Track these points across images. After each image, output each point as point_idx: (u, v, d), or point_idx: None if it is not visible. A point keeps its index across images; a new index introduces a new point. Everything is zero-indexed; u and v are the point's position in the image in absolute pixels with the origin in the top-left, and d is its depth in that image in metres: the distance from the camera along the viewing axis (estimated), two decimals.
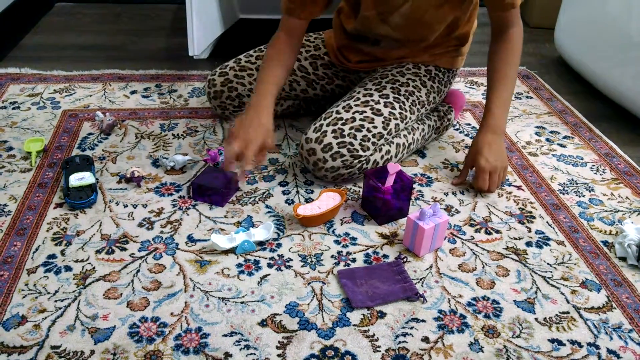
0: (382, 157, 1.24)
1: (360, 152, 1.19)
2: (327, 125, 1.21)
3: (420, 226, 1.04)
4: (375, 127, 1.21)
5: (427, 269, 1.06)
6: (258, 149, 1.13)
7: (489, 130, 1.26)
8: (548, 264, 1.09)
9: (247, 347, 0.88)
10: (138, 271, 1.01)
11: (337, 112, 1.23)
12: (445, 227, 1.08)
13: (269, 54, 1.26)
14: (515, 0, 1.21)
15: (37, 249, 1.04)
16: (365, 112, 1.23)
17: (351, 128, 1.20)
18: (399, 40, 1.31)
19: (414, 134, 1.32)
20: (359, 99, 1.26)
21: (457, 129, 1.52)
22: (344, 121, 1.21)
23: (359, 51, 1.38)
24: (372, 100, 1.25)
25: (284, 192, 1.24)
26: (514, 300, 1.00)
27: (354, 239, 1.12)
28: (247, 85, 1.39)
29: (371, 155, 1.22)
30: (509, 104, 1.30)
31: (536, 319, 0.96)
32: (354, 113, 1.22)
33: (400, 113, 1.26)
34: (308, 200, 1.21)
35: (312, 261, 1.06)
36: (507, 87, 1.28)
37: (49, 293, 0.96)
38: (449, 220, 1.16)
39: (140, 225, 1.12)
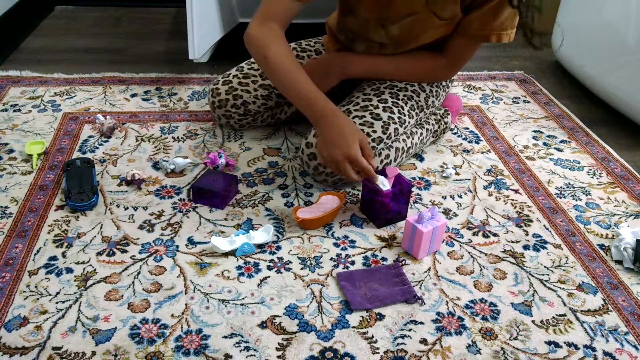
0: (381, 161, 1.25)
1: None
2: None
3: (419, 229, 1.05)
4: (374, 131, 1.22)
5: (426, 271, 1.07)
6: (357, 157, 1.08)
7: (340, 57, 1.33)
8: (545, 267, 1.10)
9: (247, 348, 0.89)
10: (139, 273, 1.02)
11: None
12: (443, 230, 1.09)
13: (283, 51, 1.13)
14: (491, 34, 1.21)
15: (38, 251, 1.05)
16: (364, 116, 1.24)
17: None
18: (385, 48, 1.32)
19: (412, 138, 1.33)
20: (358, 103, 1.27)
21: (455, 133, 1.54)
22: None
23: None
24: (371, 105, 1.26)
25: (283, 195, 1.25)
26: (512, 303, 1.01)
27: (353, 241, 1.13)
28: (252, 92, 1.39)
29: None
30: (376, 72, 1.33)
31: (533, 322, 0.97)
32: (353, 118, 1.23)
33: (399, 117, 1.27)
34: (307, 203, 1.22)
35: (311, 264, 1.06)
36: (394, 68, 1.32)
37: (50, 294, 0.96)
38: (447, 223, 1.17)
39: (140, 227, 1.13)
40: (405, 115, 1.29)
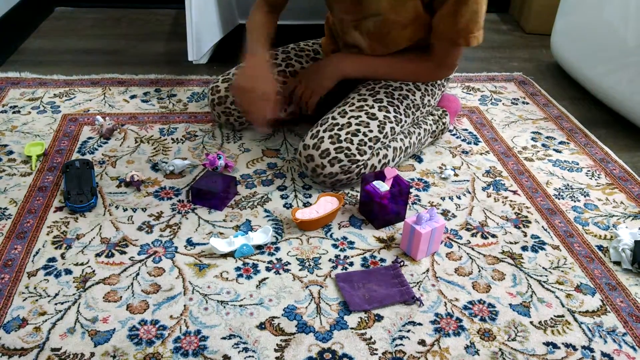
0: (379, 161, 1.25)
1: (358, 157, 1.21)
2: (324, 131, 1.22)
3: (417, 230, 1.05)
4: (371, 131, 1.23)
5: (424, 272, 1.07)
6: (270, 100, 1.19)
7: (336, 57, 1.35)
8: (543, 268, 1.10)
9: (246, 349, 0.89)
10: (137, 274, 1.02)
11: (333, 118, 1.24)
12: (441, 232, 1.09)
13: (257, 18, 1.32)
14: (457, 38, 1.23)
15: (37, 252, 1.05)
16: (360, 116, 1.24)
17: (347, 133, 1.21)
18: (364, 52, 1.35)
19: (410, 138, 1.34)
20: (353, 104, 1.28)
21: (453, 134, 1.54)
22: (340, 126, 1.22)
23: None
24: (367, 105, 1.27)
25: (282, 197, 1.25)
26: (510, 304, 1.01)
27: (351, 242, 1.13)
28: None
29: (368, 159, 1.23)
30: (370, 71, 1.35)
31: (531, 323, 0.97)
32: (349, 118, 1.24)
33: (395, 116, 1.28)
34: (306, 205, 1.22)
35: (310, 265, 1.07)
36: (387, 68, 1.34)
37: (49, 296, 0.96)
38: (445, 224, 1.17)
39: (139, 228, 1.13)
40: (401, 114, 1.29)
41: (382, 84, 1.34)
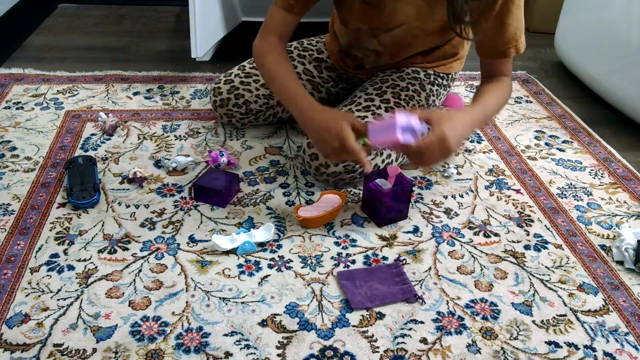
0: (383, 160, 1.25)
1: None
2: None
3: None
4: None
5: (426, 271, 1.07)
6: (350, 143, 1.03)
7: (449, 128, 1.05)
8: (546, 267, 1.10)
9: (248, 346, 0.89)
10: (140, 271, 1.02)
11: None
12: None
13: (276, 59, 1.17)
14: (508, 49, 1.15)
15: (40, 248, 1.05)
16: (366, 117, 1.24)
17: None
18: (382, 56, 1.33)
19: None
20: (360, 103, 1.27)
21: None
22: None
23: (355, 58, 1.40)
24: (373, 105, 1.26)
25: (284, 194, 1.25)
26: (512, 303, 1.01)
27: (353, 240, 1.13)
28: (254, 91, 1.40)
29: (372, 159, 1.23)
30: (478, 126, 1.23)
31: (533, 322, 0.97)
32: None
33: None
34: (309, 202, 1.22)
35: (312, 262, 1.07)
36: (486, 113, 1.18)
37: (51, 292, 0.97)
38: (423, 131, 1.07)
39: (142, 225, 1.13)
40: None
41: (389, 82, 1.33)
